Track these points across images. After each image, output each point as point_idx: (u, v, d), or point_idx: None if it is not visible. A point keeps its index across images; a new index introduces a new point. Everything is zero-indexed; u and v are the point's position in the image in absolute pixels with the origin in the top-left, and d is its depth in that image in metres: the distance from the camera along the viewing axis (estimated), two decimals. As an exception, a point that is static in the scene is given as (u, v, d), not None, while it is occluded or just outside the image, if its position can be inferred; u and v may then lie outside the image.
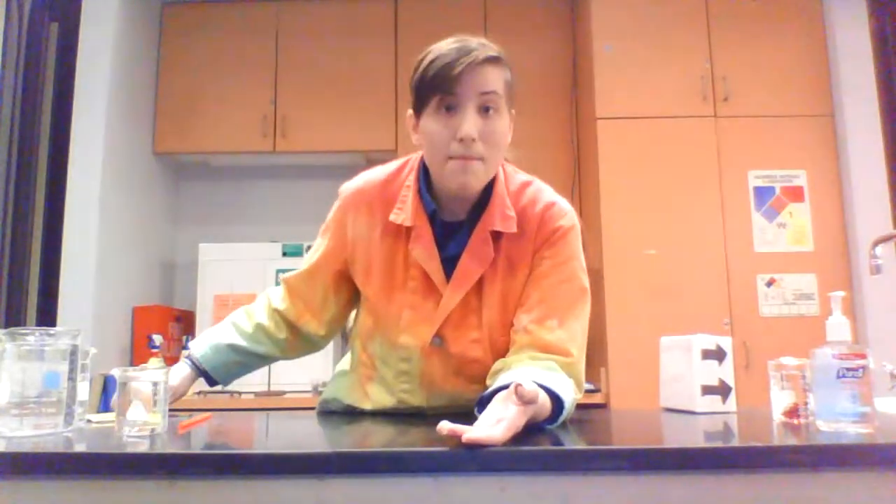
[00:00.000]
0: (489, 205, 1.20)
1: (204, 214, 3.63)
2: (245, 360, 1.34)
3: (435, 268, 1.20)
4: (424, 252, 1.20)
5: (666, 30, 3.04)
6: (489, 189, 1.21)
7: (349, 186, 1.30)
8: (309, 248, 1.39)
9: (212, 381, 1.34)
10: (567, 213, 1.24)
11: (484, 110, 1.13)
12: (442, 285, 1.20)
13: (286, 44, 3.42)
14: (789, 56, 3.03)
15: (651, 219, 2.90)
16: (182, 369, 1.29)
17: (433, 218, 1.21)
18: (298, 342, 1.36)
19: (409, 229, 1.21)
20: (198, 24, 3.46)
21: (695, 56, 3.01)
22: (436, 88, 1.12)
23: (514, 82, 1.20)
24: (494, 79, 1.14)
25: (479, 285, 1.20)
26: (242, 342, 1.33)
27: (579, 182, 3.28)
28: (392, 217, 1.22)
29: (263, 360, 1.37)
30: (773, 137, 2.96)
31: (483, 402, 1.07)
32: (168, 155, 3.45)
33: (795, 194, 2.94)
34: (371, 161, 3.35)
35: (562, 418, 1.05)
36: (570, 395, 1.09)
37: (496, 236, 1.20)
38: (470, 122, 1.11)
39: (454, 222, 1.22)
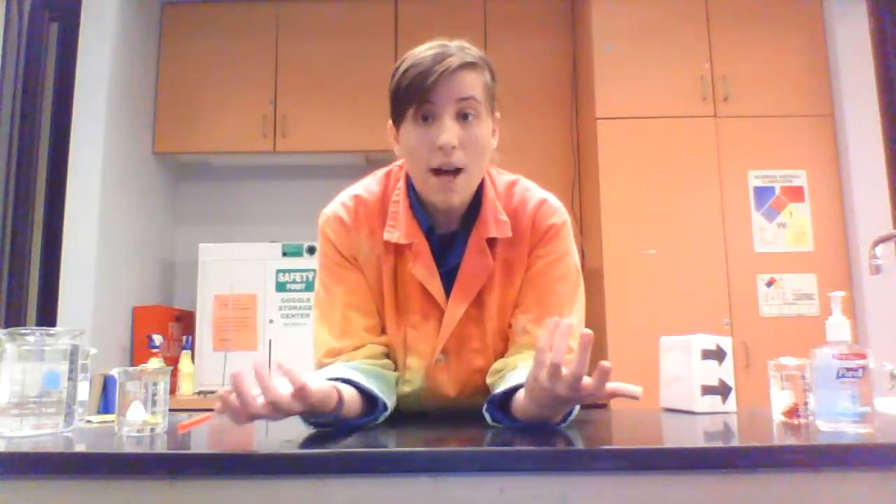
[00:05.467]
0: (481, 212, 1.18)
1: (204, 214, 3.63)
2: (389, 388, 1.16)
3: (436, 285, 1.17)
4: (424, 270, 1.17)
5: (666, 30, 3.04)
6: (479, 196, 1.19)
7: (339, 211, 1.22)
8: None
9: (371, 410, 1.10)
10: (557, 209, 1.22)
11: (462, 117, 1.10)
12: (443, 302, 1.18)
13: (286, 44, 3.42)
14: (789, 56, 3.03)
15: (651, 219, 2.90)
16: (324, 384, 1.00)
17: (428, 232, 1.18)
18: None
19: (404, 246, 1.18)
20: (198, 24, 3.46)
21: (695, 56, 3.01)
22: (411, 98, 1.09)
23: (495, 85, 1.16)
24: (472, 84, 1.10)
25: (479, 294, 1.18)
26: (368, 367, 1.14)
27: (579, 182, 3.28)
28: (386, 235, 1.18)
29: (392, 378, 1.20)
30: (773, 137, 2.96)
31: (493, 403, 1.07)
32: (168, 155, 3.45)
33: (795, 194, 2.93)
34: (371, 161, 3.38)
35: (571, 417, 1.05)
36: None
37: (491, 243, 1.18)
38: (449, 131, 1.08)
39: (447, 233, 1.20)
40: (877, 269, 1.84)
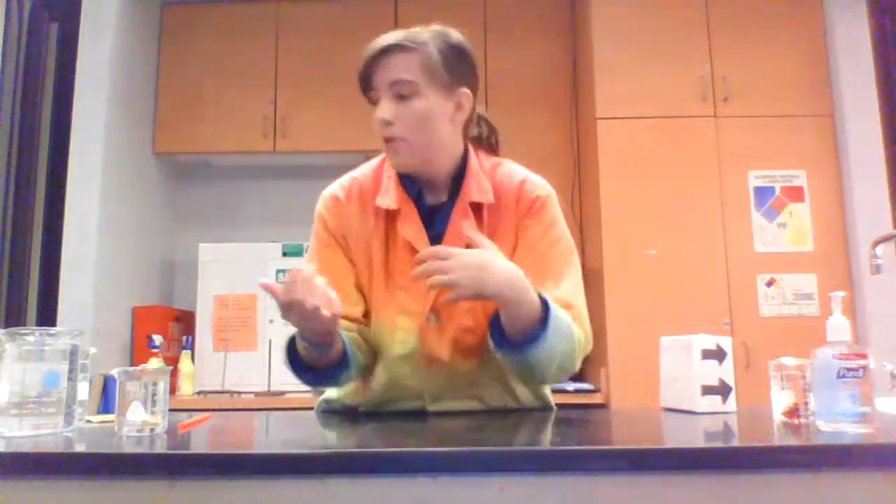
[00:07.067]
0: (465, 180, 1.28)
1: (204, 214, 3.63)
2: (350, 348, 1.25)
3: (423, 245, 1.24)
4: (413, 231, 1.26)
5: (666, 30, 3.04)
6: (465, 168, 1.29)
7: (335, 190, 1.35)
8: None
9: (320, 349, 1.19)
10: (542, 183, 1.32)
11: (399, 97, 1.21)
12: None
13: (286, 44, 3.42)
14: (789, 56, 3.03)
15: (651, 219, 2.90)
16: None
17: (418, 201, 1.28)
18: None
19: (395, 213, 1.27)
20: (198, 24, 3.46)
21: (695, 56, 3.01)
22: (362, 87, 1.26)
23: (445, 60, 1.24)
24: (403, 67, 1.21)
25: None
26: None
27: (579, 182, 3.28)
28: (377, 202, 1.28)
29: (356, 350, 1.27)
30: (773, 137, 2.96)
31: (494, 323, 1.17)
32: (168, 155, 3.45)
33: (795, 194, 2.93)
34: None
35: (550, 324, 1.12)
36: (566, 317, 1.17)
37: (477, 209, 1.27)
38: (381, 109, 1.22)
39: (437, 204, 1.29)
40: (877, 269, 1.84)
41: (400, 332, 1.26)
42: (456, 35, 1.29)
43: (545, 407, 1.39)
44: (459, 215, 1.26)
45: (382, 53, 1.22)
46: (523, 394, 1.33)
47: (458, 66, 1.26)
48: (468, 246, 1.18)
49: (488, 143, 1.38)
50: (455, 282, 1.09)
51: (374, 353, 1.31)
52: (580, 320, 1.23)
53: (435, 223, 1.27)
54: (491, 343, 1.18)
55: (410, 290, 1.25)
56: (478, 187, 1.27)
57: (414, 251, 1.23)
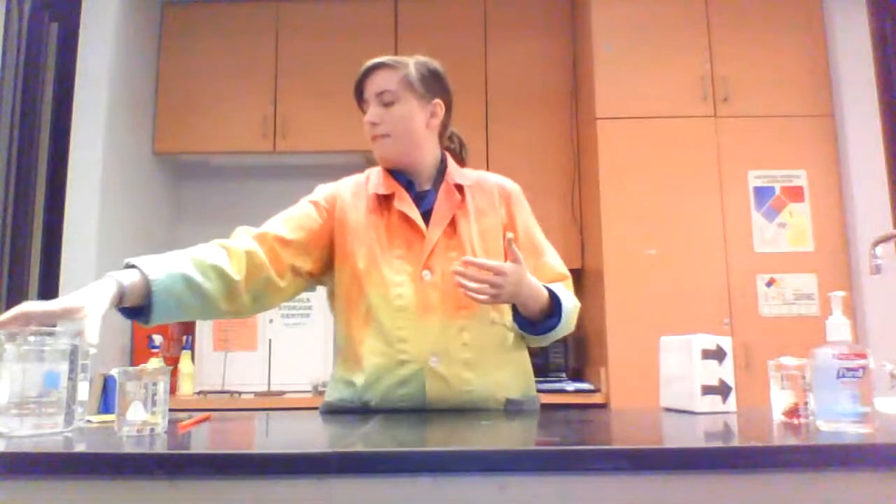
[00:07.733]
0: (446, 169, 1.54)
1: (204, 214, 3.63)
2: (188, 301, 1.34)
3: (416, 215, 1.46)
4: (406, 206, 1.46)
5: (666, 30, 3.04)
6: (444, 165, 1.55)
7: (335, 182, 1.59)
8: None
9: (138, 312, 1.35)
10: (511, 181, 1.60)
11: (384, 104, 1.48)
12: (424, 228, 1.45)
13: (286, 44, 3.42)
14: (789, 56, 3.03)
15: (651, 219, 2.90)
16: (106, 287, 1.26)
17: (408, 186, 1.50)
18: (249, 289, 1.38)
19: (389, 197, 1.48)
20: (198, 24, 3.46)
21: (695, 56, 3.01)
22: (356, 98, 1.54)
23: (423, 77, 1.49)
24: (386, 80, 1.48)
25: (455, 227, 1.47)
26: (196, 275, 1.35)
27: (579, 182, 3.28)
28: (370, 190, 1.50)
29: (204, 302, 1.35)
30: (773, 137, 2.96)
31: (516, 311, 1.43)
32: (168, 155, 3.45)
33: (795, 194, 2.94)
34: (371, 161, 3.37)
35: (564, 317, 1.41)
36: (570, 300, 1.46)
37: (460, 189, 1.51)
38: (369, 114, 1.49)
39: (423, 191, 1.51)
40: (877, 269, 1.84)
41: (395, 287, 1.41)
42: (434, 63, 1.53)
43: (526, 384, 1.51)
44: (445, 194, 1.49)
45: (371, 70, 1.49)
46: (509, 368, 1.47)
47: (432, 83, 1.51)
48: (458, 218, 1.47)
49: (459, 155, 1.64)
50: (499, 295, 1.32)
51: (364, 319, 1.42)
52: (570, 287, 1.53)
53: (423, 203, 1.48)
54: (516, 327, 1.46)
55: (407, 257, 1.44)
56: (458, 174, 1.54)
57: (408, 221, 1.45)
